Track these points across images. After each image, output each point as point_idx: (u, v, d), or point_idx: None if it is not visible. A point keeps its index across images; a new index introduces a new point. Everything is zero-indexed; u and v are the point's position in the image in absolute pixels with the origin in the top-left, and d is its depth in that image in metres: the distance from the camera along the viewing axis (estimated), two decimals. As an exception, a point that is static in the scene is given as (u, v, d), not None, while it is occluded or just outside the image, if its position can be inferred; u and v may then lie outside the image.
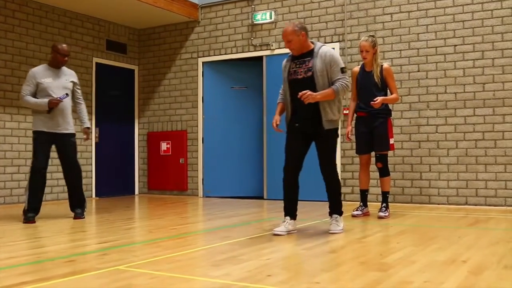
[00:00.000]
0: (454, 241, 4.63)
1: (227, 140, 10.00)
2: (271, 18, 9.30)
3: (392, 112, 8.11)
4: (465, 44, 7.81)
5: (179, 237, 5.02)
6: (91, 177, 9.67)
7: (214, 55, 9.93)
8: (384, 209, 6.47)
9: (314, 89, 4.95)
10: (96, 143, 9.76)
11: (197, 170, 10.00)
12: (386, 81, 6.39)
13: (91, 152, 9.67)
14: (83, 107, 6.69)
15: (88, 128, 6.68)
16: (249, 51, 9.59)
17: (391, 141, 6.47)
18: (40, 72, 6.37)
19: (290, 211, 5.16)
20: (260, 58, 9.53)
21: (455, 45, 7.87)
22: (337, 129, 5.20)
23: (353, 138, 6.70)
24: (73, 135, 6.51)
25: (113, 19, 10.04)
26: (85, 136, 6.70)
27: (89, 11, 9.51)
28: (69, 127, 6.47)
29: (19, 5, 8.54)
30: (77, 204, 6.58)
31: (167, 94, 10.31)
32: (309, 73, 5.02)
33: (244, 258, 3.86)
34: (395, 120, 8.17)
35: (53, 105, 6.22)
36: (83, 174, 9.43)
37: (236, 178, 10.00)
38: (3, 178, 8.16)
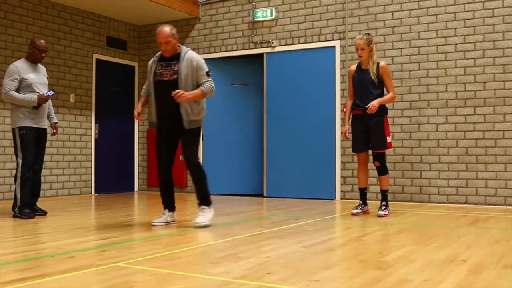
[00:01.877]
0: (454, 240, 4.63)
1: (227, 137, 9.99)
2: (271, 15, 9.29)
3: (393, 111, 8.13)
4: (466, 43, 7.80)
5: (178, 234, 5.02)
6: (91, 174, 9.66)
7: (215, 52, 9.92)
8: (384, 207, 6.46)
9: None
10: (95, 140, 9.76)
11: (197, 167, 9.98)
12: (382, 79, 6.38)
13: (91, 148, 9.66)
14: (49, 102, 6.65)
15: (56, 123, 6.77)
16: (249, 48, 9.57)
17: (389, 139, 6.43)
18: (23, 68, 6.31)
19: (168, 204, 5.63)
20: (260, 56, 9.52)
21: (456, 44, 7.86)
22: (199, 128, 5.64)
23: (350, 136, 6.69)
24: (46, 130, 6.61)
25: (113, 15, 10.02)
26: (54, 131, 6.75)
27: (89, 7, 9.49)
28: (47, 122, 6.59)
29: (20, 0, 8.53)
30: (35, 199, 6.54)
31: (167, 91, 10.29)
32: (175, 76, 5.32)
33: (244, 255, 3.85)
34: (395, 119, 8.17)
35: (42, 102, 6.26)
36: (83, 170, 9.50)
37: (236, 176, 10.00)
38: (2, 173, 8.16)
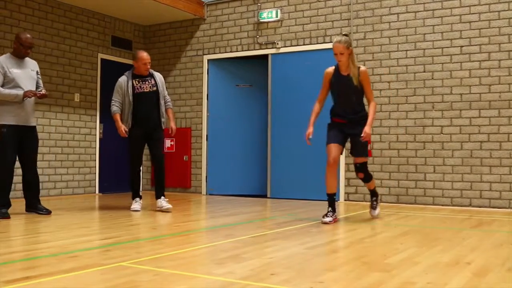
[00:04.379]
0: (458, 242, 4.61)
1: (231, 138, 9.99)
2: (277, 16, 9.29)
3: (397, 113, 8.12)
4: (472, 45, 7.78)
5: (182, 235, 5.02)
6: (95, 173, 9.68)
7: (220, 52, 9.93)
8: (375, 204, 6.34)
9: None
10: (100, 139, 9.77)
11: (201, 168, 10.00)
12: (362, 86, 5.84)
13: (95, 148, 9.68)
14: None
15: (40, 91, 6.30)
16: (254, 49, 9.58)
17: (369, 147, 6.04)
18: (7, 62, 6.10)
19: (139, 193, 7.11)
20: (265, 57, 9.52)
21: (462, 46, 7.85)
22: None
23: (310, 142, 6.03)
24: (36, 128, 6.43)
25: (118, 15, 10.04)
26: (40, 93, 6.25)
27: (95, 7, 9.51)
28: (34, 119, 6.42)
29: (25, 0, 8.55)
30: (36, 199, 6.43)
31: (172, 91, 10.29)
32: (154, 88, 6.96)
33: (247, 256, 3.85)
34: (399, 121, 8.17)
35: (29, 97, 6.07)
36: (87, 170, 9.52)
37: (240, 176, 10.00)
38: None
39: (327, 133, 6.00)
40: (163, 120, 6.98)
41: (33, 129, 6.34)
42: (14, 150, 6.14)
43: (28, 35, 6.28)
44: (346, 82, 5.83)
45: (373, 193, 6.39)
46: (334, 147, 5.89)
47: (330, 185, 5.97)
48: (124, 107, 6.83)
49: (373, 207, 6.38)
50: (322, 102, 6.06)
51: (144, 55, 6.89)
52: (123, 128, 6.76)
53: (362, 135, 5.74)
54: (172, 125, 7.02)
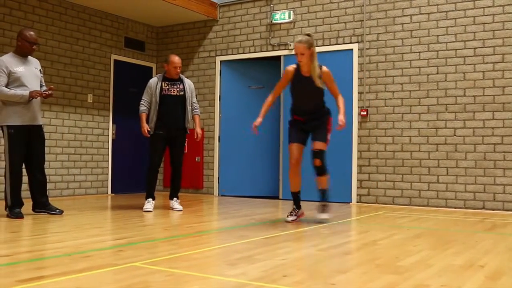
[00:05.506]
0: (471, 245, 4.59)
1: (243, 139, 9.99)
2: (289, 17, 9.29)
3: (410, 115, 8.10)
4: (485, 47, 7.74)
5: (194, 235, 5.03)
6: (108, 174, 9.72)
7: (232, 54, 9.94)
8: (325, 208, 6.08)
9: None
10: (113, 140, 9.81)
11: (213, 169, 10.02)
12: (326, 86, 5.89)
13: (108, 148, 9.72)
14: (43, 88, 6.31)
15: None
16: (267, 51, 9.58)
17: (328, 136, 5.92)
18: (11, 61, 5.99)
19: (153, 195, 7.14)
20: (278, 58, 9.52)
21: (475, 48, 7.80)
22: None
23: (258, 131, 6.15)
24: (42, 127, 6.39)
25: (131, 16, 10.08)
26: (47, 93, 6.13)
27: (108, 8, 9.56)
28: (41, 118, 6.35)
29: (39, 1, 8.61)
30: (45, 198, 6.40)
31: (184, 92, 10.32)
32: (181, 93, 7.10)
33: (260, 257, 3.85)
34: (412, 123, 8.14)
35: (35, 97, 5.97)
36: (100, 170, 9.56)
37: (252, 178, 10.00)
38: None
39: (289, 132, 6.07)
40: (187, 125, 7.12)
41: (39, 128, 6.28)
42: (23, 150, 6.11)
43: (32, 32, 6.15)
44: (306, 84, 5.82)
45: (324, 195, 6.07)
46: (295, 147, 5.96)
47: (294, 184, 6.04)
48: (151, 107, 7.02)
49: (321, 210, 6.09)
50: (276, 96, 6.14)
51: (176, 59, 7.05)
52: (146, 128, 6.93)
53: (339, 123, 5.77)
54: (198, 130, 7.17)
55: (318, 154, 5.85)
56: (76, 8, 9.19)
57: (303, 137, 5.99)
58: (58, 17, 8.88)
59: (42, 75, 6.40)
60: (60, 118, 8.84)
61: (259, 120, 6.01)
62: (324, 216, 6.04)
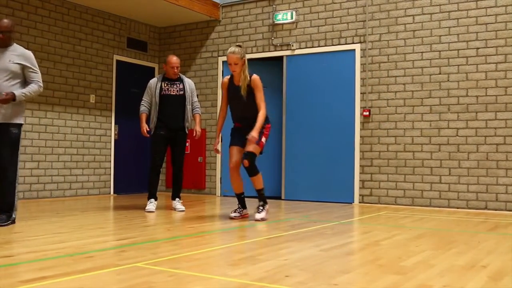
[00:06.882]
0: (474, 245, 4.58)
1: (245, 140, 9.97)
2: (292, 18, 9.29)
3: (412, 115, 8.09)
4: (488, 47, 7.73)
5: (197, 236, 5.03)
6: (110, 174, 9.73)
7: (234, 54, 9.92)
8: (261, 209, 6.16)
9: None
10: (115, 140, 9.82)
11: (215, 169, 10.02)
12: (253, 92, 6.00)
13: (110, 149, 9.73)
14: (32, 86, 5.44)
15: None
16: (269, 51, 9.58)
17: (263, 139, 6.04)
18: None
19: (155, 195, 7.14)
20: (280, 58, 9.52)
21: (478, 48, 7.80)
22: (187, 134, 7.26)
23: (219, 151, 6.62)
24: (12, 125, 5.43)
25: (134, 17, 10.09)
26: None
27: (110, 9, 9.57)
28: (9, 117, 5.40)
29: (42, 1, 8.62)
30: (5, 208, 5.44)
31: (186, 92, 10.33)
32: (181, 92, 7.13)
33: (262, 258, 3.85)
34: (415, 123, 8.13)
35: None
36: (102, 171, 9.56)
37: (254, 178, 9.98)
38: (23, 173, 8.20)
39: (230, 137, 6.32)
40: (187, 124, 7.17)
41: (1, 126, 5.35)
42: None
43: (5, 19, 5.45)
44: (237, 92, 6.06)
45: (261, 197, 6.22)
46: (235, 151, 6.20)
47: (236, 186, 6.31)
48: (151, 107, 7.12)
49: (258, 211, 6.16)
50: (225, 109, 6.37)
51: (173, 59, 7.14)
52: (145, 128, 7.03)
53: (247, 137, 5.91)
54: (197, 128, 7.20)
55: (247, 156, 6.02)
56: (79, 8, 9.20)
57: (242, 141, 6.14)
58: (60, 17, 8.90)
59: (31, 71, 5.44)
60: (63, 119, 8.85)
61: (217, 140, 6.47)
62: (259, 216, 6.11)
